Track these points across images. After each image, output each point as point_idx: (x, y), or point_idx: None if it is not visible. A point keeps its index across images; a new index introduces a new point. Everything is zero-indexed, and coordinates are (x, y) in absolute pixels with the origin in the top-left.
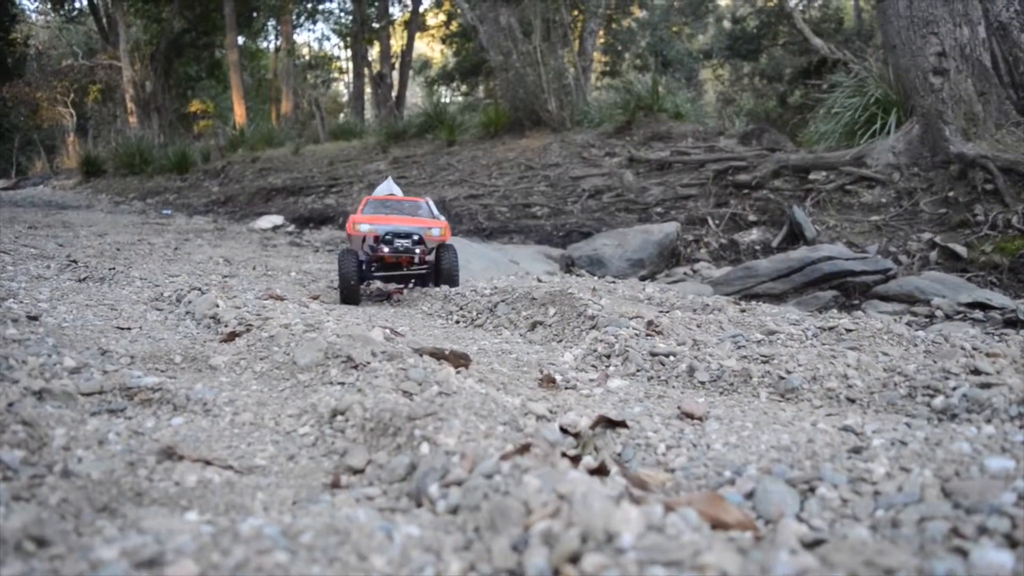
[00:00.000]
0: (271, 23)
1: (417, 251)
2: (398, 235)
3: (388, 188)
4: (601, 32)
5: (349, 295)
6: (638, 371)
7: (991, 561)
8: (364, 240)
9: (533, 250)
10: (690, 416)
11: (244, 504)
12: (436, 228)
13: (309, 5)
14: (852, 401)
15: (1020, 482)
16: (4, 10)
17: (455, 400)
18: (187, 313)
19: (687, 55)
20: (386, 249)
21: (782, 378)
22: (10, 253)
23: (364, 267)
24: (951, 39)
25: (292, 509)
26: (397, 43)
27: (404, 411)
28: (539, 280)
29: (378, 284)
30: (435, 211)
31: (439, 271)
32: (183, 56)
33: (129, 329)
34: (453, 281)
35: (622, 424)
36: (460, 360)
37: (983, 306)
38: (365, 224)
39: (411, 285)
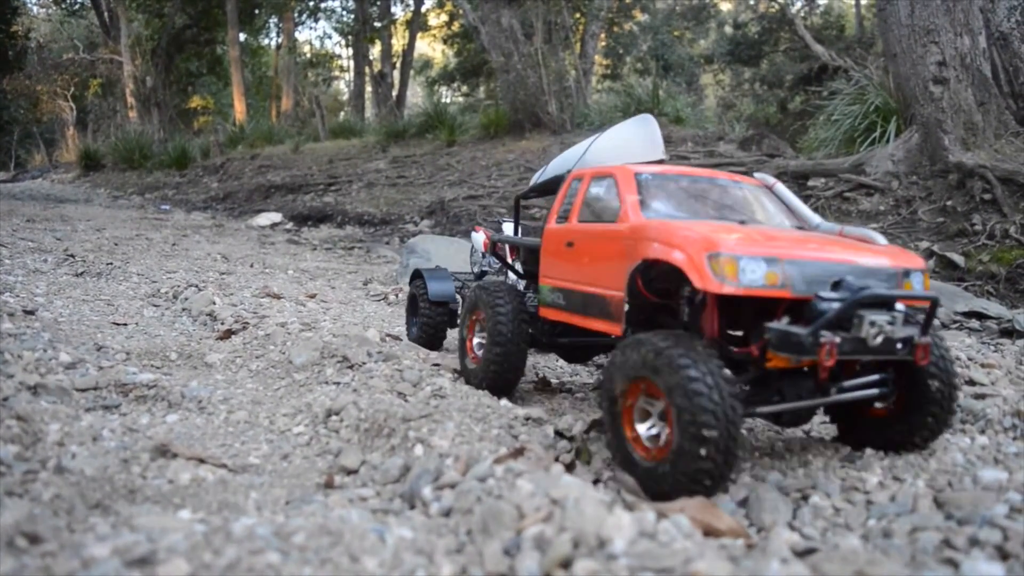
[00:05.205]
0: (273, 20)
1: (916, 345)
2: (861, 298)
3: (650, 143)
4: (602, 35)
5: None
6: None
7: (982, 573)
8: (726, 281)
9: None
10: None
11: (237, 503)
12: (918, 273)
13: (311, 3)
14: None
15: (1013, 494)
16: (5, 3)
17: (450, 402)
18: (184, 310)
19: (688, 59)
20: (839, 340)
21: None
22: (7, 246)
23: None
24: (952, 48)
25: (285, 509)
26: (399, 42)
27: (399, 412)
28: None
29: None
30: (813, 216)
31: (918, 410)
32: (184, 52)
33: (125, 325)
34: (938, 428)
35: None
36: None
37: (979, 315)
38: (754, 252)
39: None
